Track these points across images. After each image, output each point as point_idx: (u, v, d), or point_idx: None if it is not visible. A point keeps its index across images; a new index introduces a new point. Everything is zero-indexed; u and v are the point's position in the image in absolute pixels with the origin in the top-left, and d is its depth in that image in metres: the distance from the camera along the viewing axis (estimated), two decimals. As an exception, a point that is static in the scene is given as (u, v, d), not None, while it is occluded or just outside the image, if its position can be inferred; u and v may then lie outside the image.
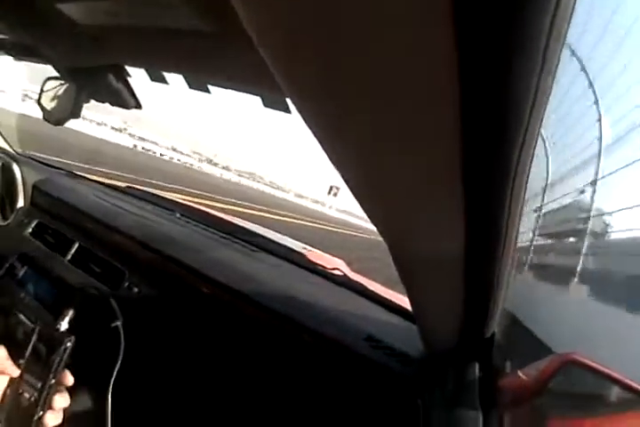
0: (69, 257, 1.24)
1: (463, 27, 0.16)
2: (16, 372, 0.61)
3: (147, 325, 1.07)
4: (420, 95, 0.20)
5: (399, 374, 0.80)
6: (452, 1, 0.15)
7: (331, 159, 0.28)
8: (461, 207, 0.29)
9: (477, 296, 0.47)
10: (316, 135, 0.26)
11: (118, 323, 1.02)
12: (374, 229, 0.37)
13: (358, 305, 1.03)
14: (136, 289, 1.10)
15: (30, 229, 1.38)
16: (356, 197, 0.32)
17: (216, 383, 0.98)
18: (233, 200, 14.60)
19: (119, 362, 0.96)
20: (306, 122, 0.25)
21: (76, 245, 1.25)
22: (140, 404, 1.03)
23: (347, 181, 0.30)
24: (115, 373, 0.96)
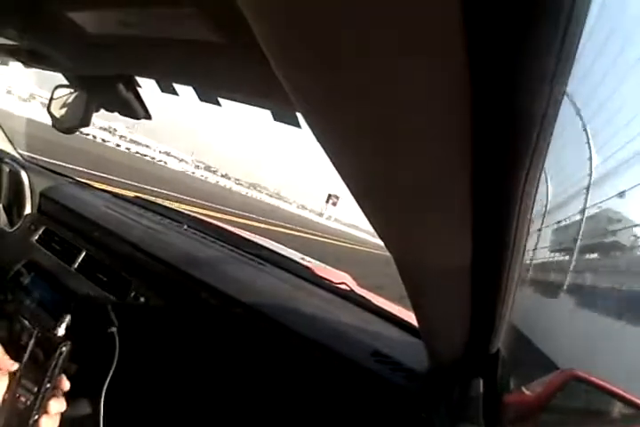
0: (76, 265, 1.25)
1: (473, 35, 0.17)
2: (14, 366, 0.61)
3: (152, 334, 1.08)
4: (432, 111, 0.21)
5: (404, 389, 0.80)
6: (461, 4, 0.15)
7: (338, 171, 0.28)
8: (469, 221, 0.30)
9: (483, 311, 0.47)
10: (324, 147, 0.26)
11: (114, 329, 1.02)
12: (375, 242, 0.37)
13: (365, 320, 1.03)
14: (142, 299, 1.10)
15: (37, 236, 1.39)
16: (363, 210, 0.32)
17: (218, 395, 0.98)
18: (234, 211, 14.52)
19: (113, 368, 0.96)
20: (315, 134, 0.25)
21: (83, 254, 1.26)
22: (135, 411, 1.03)
23: (354, 194, 0.30)
24: (108, 379, 0.95)
